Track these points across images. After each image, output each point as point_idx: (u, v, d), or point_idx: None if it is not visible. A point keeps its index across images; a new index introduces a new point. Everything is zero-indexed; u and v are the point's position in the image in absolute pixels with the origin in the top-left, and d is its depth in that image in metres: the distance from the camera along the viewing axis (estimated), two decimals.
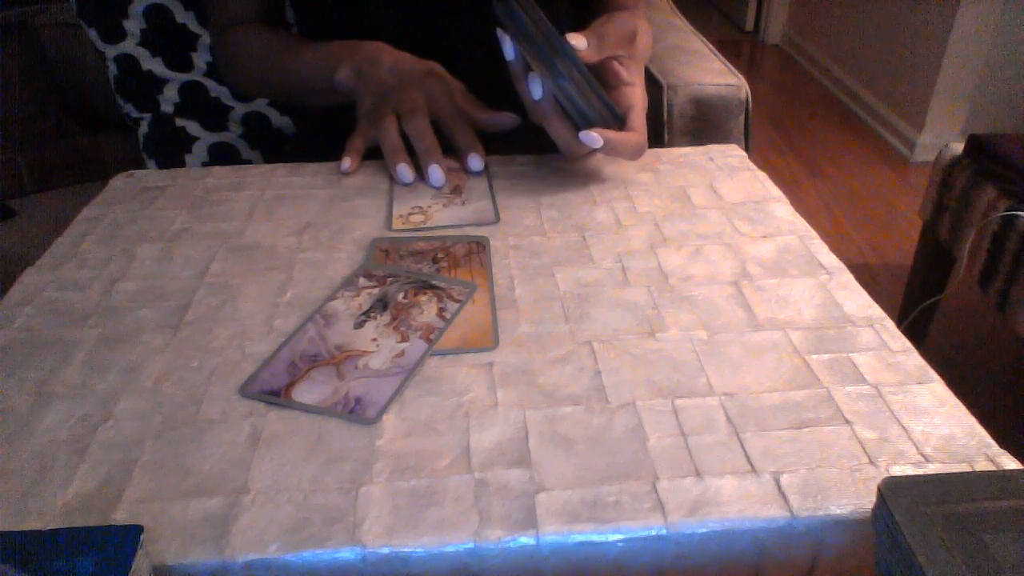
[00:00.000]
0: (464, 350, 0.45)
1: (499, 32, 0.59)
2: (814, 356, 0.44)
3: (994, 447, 0.38)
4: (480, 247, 0.55)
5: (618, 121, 0.62)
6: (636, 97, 0.63)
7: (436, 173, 0.63)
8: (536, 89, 0.59)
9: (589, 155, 0.64)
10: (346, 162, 0.66)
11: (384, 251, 0.55)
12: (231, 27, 0.80)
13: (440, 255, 0.55)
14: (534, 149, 0.70)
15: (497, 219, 0.59)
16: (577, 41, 0.58)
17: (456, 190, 0.64)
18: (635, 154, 0.62)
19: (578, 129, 0.60)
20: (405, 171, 0.64)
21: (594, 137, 0.58)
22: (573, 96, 0.58)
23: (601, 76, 0.63)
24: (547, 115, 0.60)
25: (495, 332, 0.47)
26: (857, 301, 0.49)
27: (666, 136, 0.96)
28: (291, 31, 0.84)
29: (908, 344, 0.45)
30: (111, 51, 1.15)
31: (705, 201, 0.62)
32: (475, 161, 0.65)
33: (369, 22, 0.75)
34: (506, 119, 0.67)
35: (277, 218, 0.60)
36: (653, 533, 0.34)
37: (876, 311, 0.48)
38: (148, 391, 0.42)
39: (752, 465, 0.37)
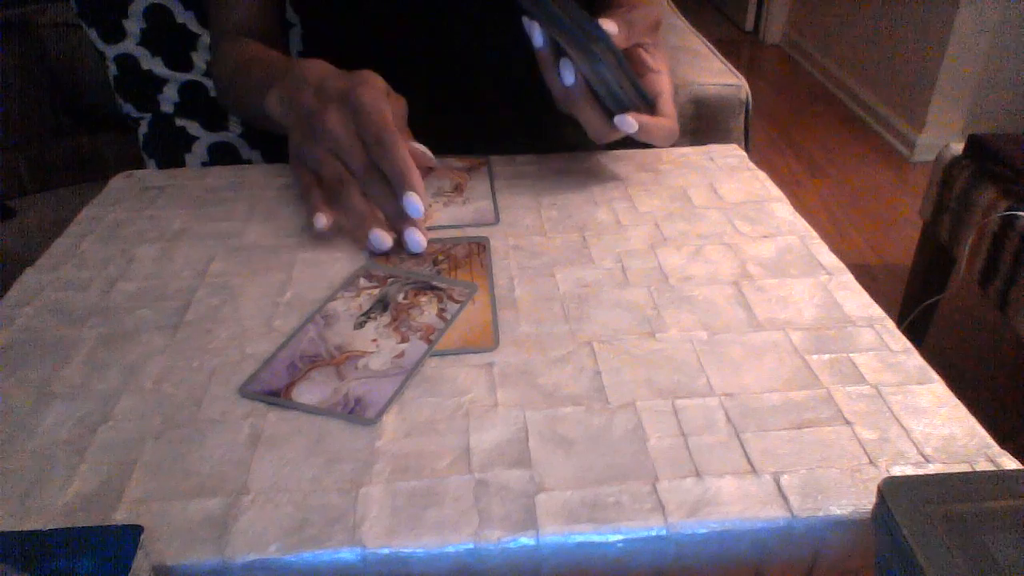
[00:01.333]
0: (465, 350, 0.45)
1: (526, 20, 0.58)
2: (814, 356, 0.44)
3: (994, 447, 0.38)
4: (481, 248, 0.55)
5: (648, 107, 0.61)
6: (664, 83, 0.62)
7: (379, 239, 0.53)
8: (568, 75, 0.57)
9: (618, 139, 0.62)
10: (320, 219, 0.54)
11: (384, 252, 0.55)
12: (223, 37, 0.78)
13: (440, 256, 0.55)
14: (534, 149, 0.71)
15: (497, 220, 0.59)
16: (608, 26, 0.57)
17: (457, 189, 0.64)
18: (667, 139, 0.61)
19: (609, 114, 0.59)
20: (381, 238, 0.53)
21: (630, 122, 0.57)
22: (609, 80, 0.57)
23: (628, 63, 0.62)
24: (578, 101, 0.58)
25: (495, 332, 0.47)
26: (857, 301, 0.49)
27: None
28: (286, 40, 0.83)
29: (908, 344, 0.45)
30: (111, 51, 1.15)
31: (705, 201, 0.62)
32: (412, 206, 0.52)
33: (371, 20, 0.75)
34: (425, 158, 0.58)
35: (277, 218, 0.60)
36: (653, 534, 0.34)
37: (876, 311, 0.48)
38: (148, 391, 0.42)
39: (752, 465, 0.37)
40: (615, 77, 0.57)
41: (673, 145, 0.87)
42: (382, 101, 0.53)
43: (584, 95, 0.59)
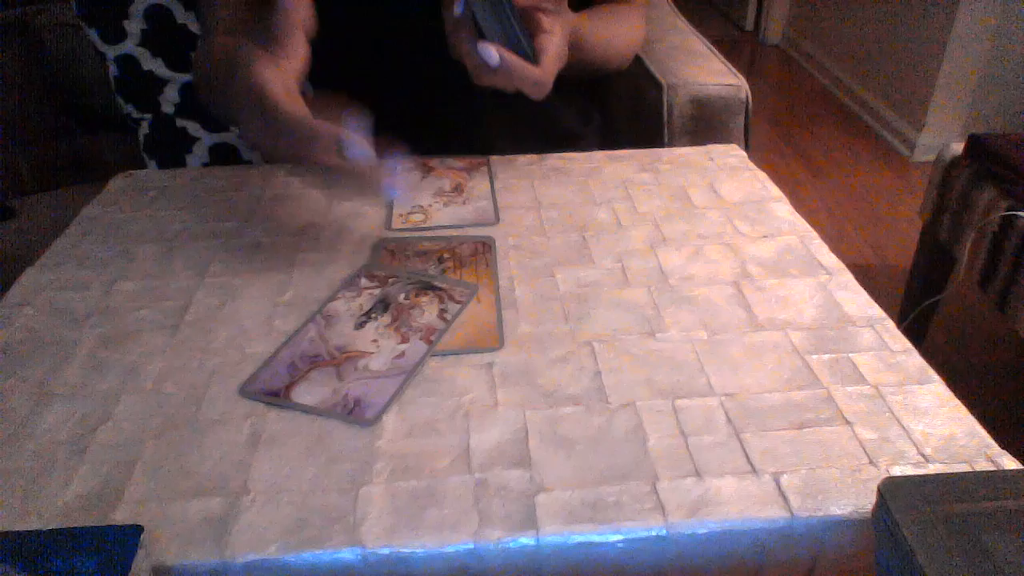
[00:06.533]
0: (469, 350, 0.45)
1: None
2: (814, 356, 0.44)
3: (994, 447, 0.38)
4: (486, 247, 0.55)
5: (529, 61, 0.61)
6: (552, 44, 0.61)
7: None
8: (458, 6, 0.58)
9: (496, 81, 0.60)
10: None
11: (390, 251, 0.55)
12: (212, 34, 0.77)
13: (446, 255, 0.55)
14: (534, 149, 0.71)
15: (497, 219, 0.59)
16: None
17: (457, 189, 0.64)
18: (535, 89, 0.60)
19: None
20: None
21: (491, 53, 0.57)
22: (486, 8, 0.57)
23: (522, 19, 0.62)
24: (462, 33, 0.58)
25: (500, 332, 0.46)
26: (857, 301, 0.49)
27: (666, 136, 0.96)
28: None
29: (908, 344, 0.45)
30: (112, 52, 1.15)
31: (705, 201, 0.62)
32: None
33: (369, 21, 0.75)
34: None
35: (277, 218, 0.60)
36: (653, 533, 0.34)
37: (876, 311, 0.48)
38: (148, 391, 0.42)
39: (752, 465, 0.37)
40: (495, 10, 0.57)
41: (673, 145, 0.87)
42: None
43: (469, 30, 0.58)
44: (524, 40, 0.60)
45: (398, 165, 0.59)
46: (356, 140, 0.51)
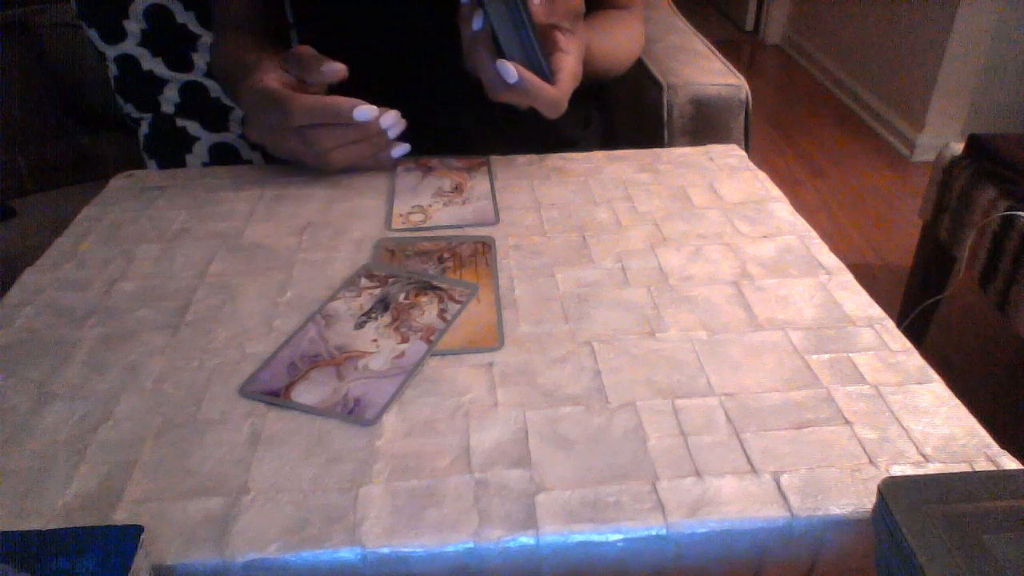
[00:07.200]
0: (469, 350, 0.45)
1: None
2: (814, 356, 0.44)
3: (994, 447, 0.38)
4: (486, 247, 0.55)
5: (546, 79, 0.61)
6: (568, 63, 0.62)
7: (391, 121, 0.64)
8: (477, 21, 0.59)
9: (511, 98, 0.61)
10: (363, 112, 0.62)
11: (390, 251, 0.55)
12: (225, 29, 0.80)
13: (446, 255, 0.55)
14: (534, 149, 0.71)
15: (497, 219, 0.59)
16: None
17: (457, 189, 0.64)
18: (550, 108, 0.61)
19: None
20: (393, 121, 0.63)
21: (509, 69, 0.58)
22: (506, 25, 0.58)
23: (541, 38, 0.63)
24: (480, 50, 0.59)
25: (500, 332, 0.46)
26: (857, 301, 0.49)
27: (666, 136, 0.96)
28: (285, 35, 0.84)
29: (908, 344, 0.45)
30: (111, 51, 1.15)
31: (705, 201, 0.62)
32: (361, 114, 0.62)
33: (368, 23, 0.75)
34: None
35: (277, 218, 0.60)
36: (653, 533, 0.34)
37: (876, 311, 0.48)
38: (148, 391, 0.42)
39: (752, 465, 0.37)
40: (514, 25, 0.58)
41: (673, 145, 0.87)
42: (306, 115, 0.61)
43: (487, 45, 0.59)
44: (542, 58, 0.60)
45: (396, 123, 0.63)
46: (358, 102, 0.60)
